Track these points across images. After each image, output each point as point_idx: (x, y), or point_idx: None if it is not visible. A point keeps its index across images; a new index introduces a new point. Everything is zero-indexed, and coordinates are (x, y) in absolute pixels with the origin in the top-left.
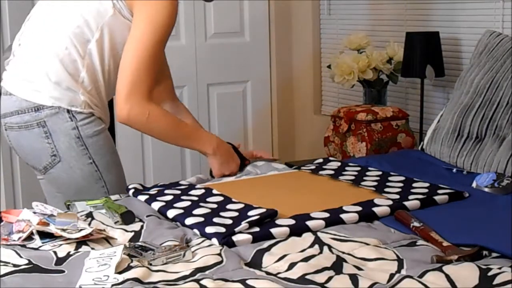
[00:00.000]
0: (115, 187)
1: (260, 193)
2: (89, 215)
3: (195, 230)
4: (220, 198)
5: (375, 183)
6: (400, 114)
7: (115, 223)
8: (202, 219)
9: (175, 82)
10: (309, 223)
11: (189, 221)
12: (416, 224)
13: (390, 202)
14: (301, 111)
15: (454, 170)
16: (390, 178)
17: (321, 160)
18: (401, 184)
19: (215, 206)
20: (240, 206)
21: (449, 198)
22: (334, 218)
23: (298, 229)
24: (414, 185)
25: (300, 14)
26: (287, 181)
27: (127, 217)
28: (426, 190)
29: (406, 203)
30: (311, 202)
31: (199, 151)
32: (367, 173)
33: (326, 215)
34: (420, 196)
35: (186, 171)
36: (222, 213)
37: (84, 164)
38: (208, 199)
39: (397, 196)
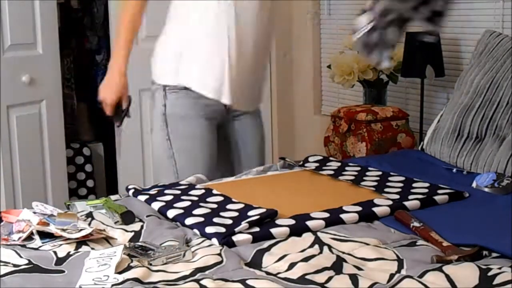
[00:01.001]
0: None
1: (260, 193)
2: (89, 215)
3: (195, 230)
4: (220, 198)
5: (375, 183)
6: (400, 114)
7: (115, 223)
8: (202, 219)
9: None
10: (309, 223)
11: (189, 221)
12: (416, 224)
13: (390, 202)
14: (301, 111)
15: (454, 170)
16: (390, 178)
17: (317, 158)
18: (401, 184)
19: (215, 206)
20: (240, 206)
21: (449, 198)
22: (334, 218)
23: (298, 229)
24: (414, 185)
25: (300, 14)
26: (287, 181)
27: (127, 217)
28: (426, 190)
29: (406, 203)
30: (311, 202)
31: (114, 55)
32: (367, 173)
33: (326, 215)
34: (420, 196)
35: None
36: (222, 213)
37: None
38: (208, 199)
39: (397, 196)
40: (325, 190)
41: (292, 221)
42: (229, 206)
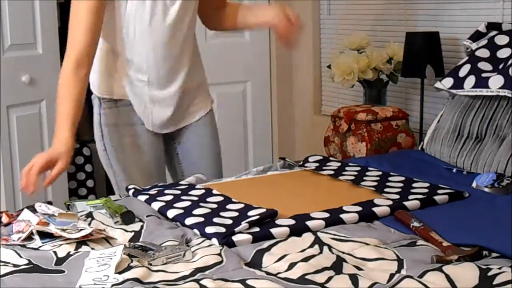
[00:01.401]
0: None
1: (260, 193)
2: (89, 215)
3: (195, 230)
4: (220, 198)
5: (375, 183)
6: (400, 114)
7: (115, 223)
8: (202, 219)
9: None
10: (309, 223)
11: (189, 221)
12: (416, 224)
13: (390, 202)
14: (301, 111)
15: (454, 170)
16: (390, 178)
17: (317, 158)
18: (401, 184)
19: (215, 206)
20: (240, 206)
21: (449, 198)
22: (334, 218)
23: (298, 229)
24: (414, 185)
25: (300, 14)
26: (287, 181)
27: (127, 217)
28: (426, 190)
29: (406, 203)
30: (311, 202)
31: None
32: (367, 173)
33: (326, 215)
34: (420, 196)
35: None
36: (222, 213)
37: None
38: (208, 199)
39: (397, 196)
40: (325, 190)
41: (292, 221)
42: (229, 206)
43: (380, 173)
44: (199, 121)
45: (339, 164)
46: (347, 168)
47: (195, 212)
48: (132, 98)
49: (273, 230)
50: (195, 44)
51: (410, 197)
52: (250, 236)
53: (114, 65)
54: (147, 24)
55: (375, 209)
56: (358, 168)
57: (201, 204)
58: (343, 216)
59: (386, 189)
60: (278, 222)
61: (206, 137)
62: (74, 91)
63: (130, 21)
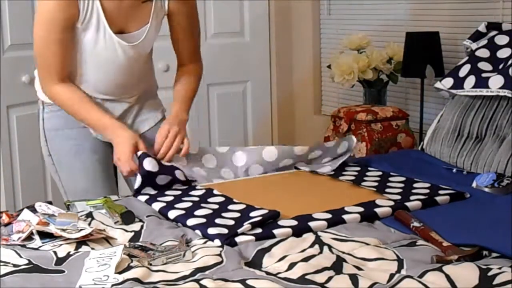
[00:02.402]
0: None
1: (260, 193)
2: (89, 215)
3: (197, 231)
4: (221, 199)
5: (376, 183)
6: (400, 114)
7: (115, 223)
8: (203, 220)
9: None
10: (312, 224)
11: (190, 222)
12: (416, 224)
13: (392, 203)
14: (301, 111)
15: (454, 170)
16: (390, 179)
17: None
18: (402, 185)
19: (216, 206)
20: (242, 206)
21: (450, 198)
22: (336, 219)
23: (300, 230)
24: (415, 185)
25: (300, 14)
26: (287, 181)
27: (127, 217)
28: (427, 191)
29: (407, 203)
30: (313, 202)
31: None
32: (367, 173)
33: (328, 216)
34: (422, 197)
35: None
36: (224, 214)
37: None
38: (209, 200)
39: (398, 197)
40: (326, 190)
41: (295, 222)
42: (230, 207)
43: (380, 173)
44: (150, 130)
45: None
46: (347, 168)
47: (197, 213)
48: None
49: (276, 231)
50: (150, 58)
51: (412, 197)
52: (252, 237)
53: None
54: (102, 57)
55: (377, 209)
56: (358, 168)
57: (203, 204)
58: (345, 216)
59: (387, 189)
60: (280, 223)
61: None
62: (85, 98)
63: (86, 47)
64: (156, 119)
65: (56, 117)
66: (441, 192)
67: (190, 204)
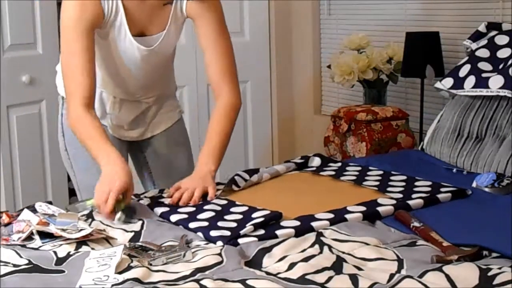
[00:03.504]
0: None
1: (262, 195)
2: (89, 215)
3: (199, 234)
4: (224, 202)
5: (377, 183)
6: (400, 114)
7: (118, 219)
8: (206, 223)
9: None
10: (314, 224)
11: (193, 225)
12: (416, 224)
13: (394, 202)
14: (301, 111)
15: (454, 170)
16: (392, 178)
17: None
18: (403, 183)
19: (219, 208)
20: (244, 208)
21: (452, 196)
22: (338, 219)
23: (303, 231)
24: (417, 183)
25: (300, 14)
26: (289, 183)
27: (129, 212)
28: (429, 189)
29: (409, 202)
30: (315, 203)
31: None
32: (368, 173)
33: (331, 215)
34: (424, 195)
35: None
36: (226, 216)
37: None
38: (212, 202)
39: (400, 195)
40: (327, 190)
41: (297, 223)
42: (233, 209)
43: (381, 172)
44: (166, 131)
45: (339, 164)
46: (347, 168)
47: (199, 216)
48: (95, 101)
49: (279, 232)
50: (171, 60)
51: (414, 196)
52: (255, 239)
53: None
54: (122, 59)
55: (379, 208)
56: (359, 168)
57: (205, 208)
58: (348, 216)
59: (389, 188)
60: (283, 224)
61: (175, 146)
62: (98, 131)
63: (106, 48)
64: (173, 119)
65: None
66: (442, 189)
67: (193, 209)
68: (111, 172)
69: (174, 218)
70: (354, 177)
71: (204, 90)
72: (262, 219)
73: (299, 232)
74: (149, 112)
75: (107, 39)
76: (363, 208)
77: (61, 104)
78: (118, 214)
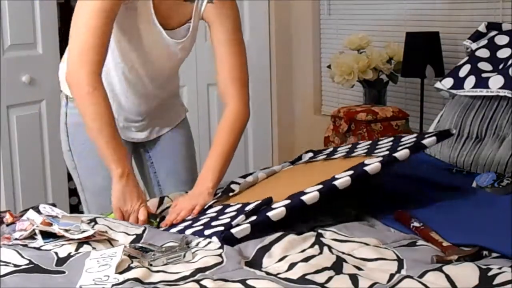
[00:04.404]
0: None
1: (256, 191)
2: (93, 220)
3: (196, 236)
4: (219, 207)
5: (366, 150)
6: (400, 114)
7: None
8: (201, 227)
9: None
10: (304, 197)
11: (189, 231)
12: (416, 224)
13: (380, 158)
14: (301, 111)
15: (454, 170)
16: (379, 142)
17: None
18: (390, 143)
19: (214, 215)
20: (237, 206)
21: (437, 139)
22: (327, 187)
23: (294, 207)
24: (403, 139)
25: (300, 14)
26: (282, 174)
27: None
28: (414, 139)
29: (396, 154)
30: (306, 183)
31: (108, 164)
32: (358, 146)
33: (320, 186)
34: (409, 144)
35: None
36: (220, 217)
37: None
38: (207, 211)
39: (387, 152)
40: (319, 171)
41: (288, 201)
42: (227, 210)
43: (369, 142)
44: (171, 131)
45: (331, 149)
46: (338, 149)
47: (195, 224)
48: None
49: (270, 214)
50: (183, 60)
51: (399, 148)
52: (248, 225)
53: None
54: (147, 48)
55: (366, 168)
56: (349, 146)
57: (200, 218)
58: (336, 182)
59: (376, 151)
60: (274, 206)
61: (180, 145)
62: (109, 119)
63: (129, 36)
64: (179, 118)
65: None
66: (426, 136)
67: (189, 222)
68: (125, 190)
69: (173, 229)
70: (344, 153)
71: (204, 90)
72: (253, 206)
73: (291, 209)
74: (156, 112)
75: (132, 26)
76: (350, 172)
77: (65, 103)
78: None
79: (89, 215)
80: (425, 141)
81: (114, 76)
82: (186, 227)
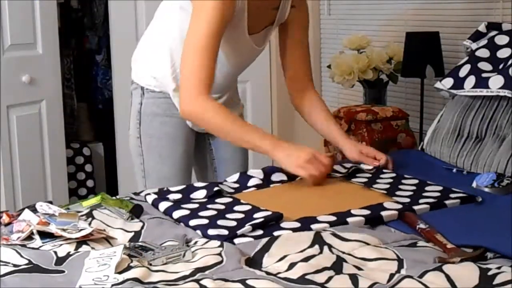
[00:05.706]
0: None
1: (268, 194)
2: (90, 215)
3: (198, 231)
4: (229, 200)
5: (387, 186)
6: (400, 114)
7: (127, 219)
8: (206, 221)
9: None
10: (314, 226)
11: (193, 222)
12: (422, 225)
13: (399, 206)
14: None
15: (454, 170)
16: (403, 181)
17: None
18: (413, 188)
19: (222, 207)
20: (247, 207)
21: (460, 202)
22: (340, 222)
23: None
24: (427, 188)
25: None
26: (298, 183)
27: (137, 211)
28: (438, 194)
29: (415, 207)
30: (320, 205)
31: (259, 150)
32: (381, 175)
33: (333, 218)
34: (431, 200)
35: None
36: (228, 215)
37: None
38: (216, 200)
39: (408, 200)
40: (336, 193)
41: (298, 224)
42: (236, 208)
43: (394, 175)
44: None
45: (351, 165)
46: (361, 165)
47: (201, 213)
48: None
49: (276, 233)
50: None
51: (421, 200)
52: (251, 239)
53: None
54: (236, 52)
55: (383, 213)
56: (373, 171)
57: (208, 206)
58: (349, 219)
59: (398, 192)
60: (283, 225)
61: None
62: (233, 117)
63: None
64: (237, 112)
65: (157, 103)
66: (452, 195)
67: (196, 205)
68: (290, 151)
69: (176, 214)
70: (365, 179)
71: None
72: (261, 219)
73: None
74: (224, 104)
75: (228, 37)
76: (367, 212)
77: (141, 93)
78: (126, 215)
79: (86, 209)
80: (448, 202)
81: None
82: (192, 215)
